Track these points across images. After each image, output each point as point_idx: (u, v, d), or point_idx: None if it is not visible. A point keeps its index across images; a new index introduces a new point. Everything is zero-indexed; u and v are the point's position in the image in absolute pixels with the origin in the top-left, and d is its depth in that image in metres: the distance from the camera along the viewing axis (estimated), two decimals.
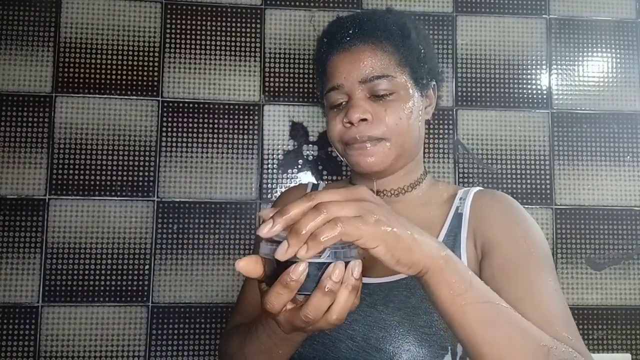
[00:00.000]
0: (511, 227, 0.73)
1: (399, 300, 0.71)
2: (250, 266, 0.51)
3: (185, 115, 1.25)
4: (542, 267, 0.69)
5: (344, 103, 0.78)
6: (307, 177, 1.26)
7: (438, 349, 0.68)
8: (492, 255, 0.70)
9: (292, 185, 1.25)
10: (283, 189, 1.25)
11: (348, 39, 0.78)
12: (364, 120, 0.75)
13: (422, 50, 0.80)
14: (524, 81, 1.32)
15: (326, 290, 0.48)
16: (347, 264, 0.49)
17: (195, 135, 1.24)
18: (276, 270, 0.49)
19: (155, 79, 1.25)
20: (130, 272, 1.20)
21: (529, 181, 1.29)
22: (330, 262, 0.48)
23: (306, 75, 1.28)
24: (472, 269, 0.69)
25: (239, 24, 1.28)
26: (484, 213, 0.76)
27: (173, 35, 1.27)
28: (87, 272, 1.19)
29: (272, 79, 1.27)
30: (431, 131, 1.29)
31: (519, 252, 0.70)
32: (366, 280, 0.73)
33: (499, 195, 0.79)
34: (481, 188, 0.81)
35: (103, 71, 1.24)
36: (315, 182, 0.95)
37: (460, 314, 0.52)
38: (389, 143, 0.76)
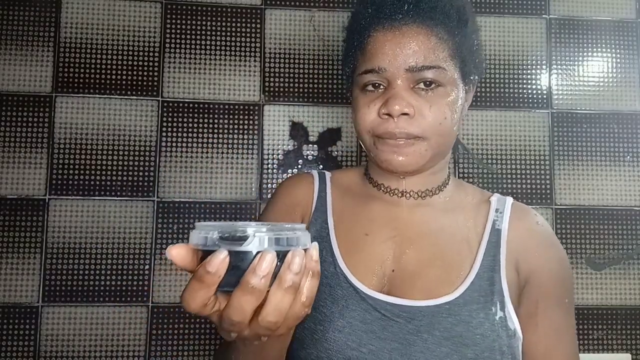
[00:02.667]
0: (555, 264, 0.70)
1: (444, 328, 0.62)
2: (181, 255, 0.41)
3: (185, 115, 1.25)
4: (569, 307, 0.70)
5: (381, 89, 0.68)
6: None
7: None
8: (535, 288, 0.69)
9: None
10: None
11: (400, 15, 0.66)
12: (406, 114, 0.65)
13: (476, 42, 0.71)
14: (524, 81, 1.32)
15: (250, 286, 0.39)
16: (283, 254, 0.40)
17: (195, 135, 1.24)
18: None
19: (155, 79, 1.25)
20: (130, 272, 1.20)
21: (529, 181, 1.29)
22: (259, 252, 0.39)
23: (306, 75, 1.28)
24: (512, 293, 0.67)
25: (239, 24, 1.28)
26: (529, 240, 0.71)
27: (173, 35, 1.27)
28: (87, 272, 1.19)
29: (272, 79, 1.28)
30: None
31: (559, 295, 0.69)
32: (405, 302, 0.64)
33: (541, 220, 0.74)
34: (513, 200, 0.76)
35: (103, 71, 1.24)
36: (323, 171, 0.83)
37: None
38: (427, 143, 0.67)
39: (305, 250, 0.42)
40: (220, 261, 0.39)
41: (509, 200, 0.75)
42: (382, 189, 0.74)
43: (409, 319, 0.63)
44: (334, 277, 0.67)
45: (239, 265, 0.39)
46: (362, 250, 0.69)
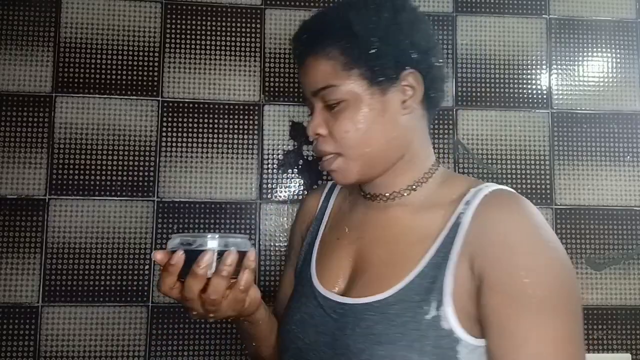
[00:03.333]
0: (531, 262, 0.59)
1: (365, 326, 0.64)
2: (161, 257, 0.60)
3: (185, 115, 1.25)
4: (543, 309, 0.57)
5: None
6: (306, 178, 1.26)
7: None
8: (492, 288, 0.59)
9: (293, 188, 1.25)
10: (283, 189, 1.25)
11: (298, 51, 0.73)
12: (319, 134, 0.70)
13: (377, 42, 0.68)
14: (524, 81, 1.32)
15: (195, 273, 0.59)
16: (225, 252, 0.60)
17: (195, 135, 1.24)
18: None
19: (155, 79, 1.25)
20: (130, 272, 1.20)
21: (529, 181, 1.29)
22: (203, 250, 0.59)
23: None
24: (460, 292, 0.61)
25: (239, 24, 1.28)
26: (491, 232, 0.62)
27: (173, 35, 1.27)
28: (87, 272, 1.19)
29: (272, 79, 1.27)
30: (431, 131, 1.29)
31: (538, 299, 0.58)
32: (343, 299, 0.68)
33: (511, 204, 0.63)
34: (496, 188, 0.66)
35: (103, 71, 1.24)
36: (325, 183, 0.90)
37: None
38: (343, 157, 0.69)
39: (245, 252, 0.61)
40: (178, 256, 0.59)
41: (488, 189, 0.66)
42: (362, 193, 0.77)
43: (341, 315, 0.67)
44: (306, 279, 0.76)
45: (192, 262, 0.59)
46: (331, 254, 0.75)
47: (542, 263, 0.59)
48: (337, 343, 0.66)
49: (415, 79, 0.70)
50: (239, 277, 0.61)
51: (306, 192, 1.24)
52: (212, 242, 0.60)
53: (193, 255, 0.59)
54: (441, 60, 0.74)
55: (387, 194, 0.73)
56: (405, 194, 0.73)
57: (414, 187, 0.73)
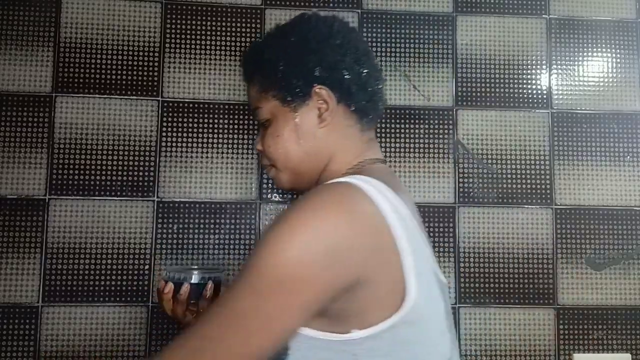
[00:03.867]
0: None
1: None
2: (167, 288, 0.84)
3: (185, 115, 1.25)
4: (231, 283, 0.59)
5: None
6: None
7: None
8: None
9: None
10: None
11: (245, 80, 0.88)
12: (259, 150, 0.85)
13: (282, 66, 0.77)
14: (524, 81, 1.32)
15: (178, 299, 0.86)
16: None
17: (195, 135, 1.24)
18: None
19: (155, 79, 1.25)
20: (130, 272, 1.20)
21: (529, 181, 1.29)
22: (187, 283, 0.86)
23: None
24: None
25: (239, 24, 1.28)
26: None
27: (173, 35, 1.27)
28: (87, 272, 1.19)
29: None
30: (431, 131, 1.29)
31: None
32: None
33: (307, 194, 0.63)
34: (331, 181, 0.66)
35: (103, 71, 1.24)
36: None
37: None
38: (276, 169, 0.83)
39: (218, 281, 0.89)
40: (167, 288, 0.85)
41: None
42: None
43: None
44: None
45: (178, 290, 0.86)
46: None
47: (261, 241, 0.59)
48: None
49: (326, 94, 0.77)
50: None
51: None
52: (184, 277, 0.87)
53: (177, 286, 0.86)
54: (362, 70, 0.78)
55: None
56: None
57: None
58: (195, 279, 0.85)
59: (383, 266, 0.61)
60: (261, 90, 0.80)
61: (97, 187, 1.21)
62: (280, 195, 1.25)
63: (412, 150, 1.28)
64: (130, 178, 1.22)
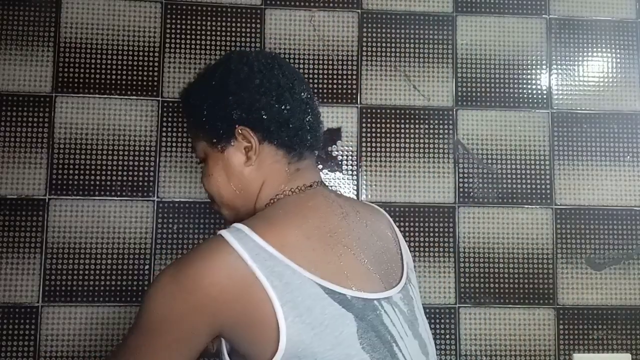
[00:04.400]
0: None
1: None
2: None
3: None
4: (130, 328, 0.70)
5: None
6: None
7: None
8: None
9: None
10: None
11: None
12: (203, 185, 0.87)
13: (205, 109, 0.81)
14: (524, 81, 1.32)
15: None
16: None
17: None
18: None
19: (155, 79, 1.25)
20: (130, 272, 1.20)
21: (529, 181, 1.29)
22: None
23: (306, 75, 1.28)
24: None
25: (239, 24, 1.28)
26: None
27: (173, 35, 1.27)
28: (87, 272, 1.19)
29: None
30: (431, 131, 1.29)
31: None
32: None
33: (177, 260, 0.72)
34: (206, 240, 0.74)
35: (103, 71, 1.24)
36: None
37: None
38: (215, 204, 0.86)
39: None
40: None
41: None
42: None
43: None
44: None
45: None
46: None
47: (146, 295, 0.69)
48: None
49: (248, 134, 0.80)
50: None
51: None
52: None
53: None
54: (283, 107, 0.80)
55: None
56: None
57: None
58: None
59: (250, 311, 0.67)
60: (192, 131, 0.85)
61: (97, 187, 1.21)
62: None
63: (412, 150, 1.28)
64: (130, 178, 1.22)
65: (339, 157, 1.27)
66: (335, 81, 1.28)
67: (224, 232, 0.71)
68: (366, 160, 1.27)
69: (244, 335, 0.68)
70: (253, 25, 1.28)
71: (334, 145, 1.27)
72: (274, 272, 0.67)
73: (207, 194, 0.86)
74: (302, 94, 0.83)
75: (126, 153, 1.23)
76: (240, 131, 0.80)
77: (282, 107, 0.80)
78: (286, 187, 0.82)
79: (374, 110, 1.27)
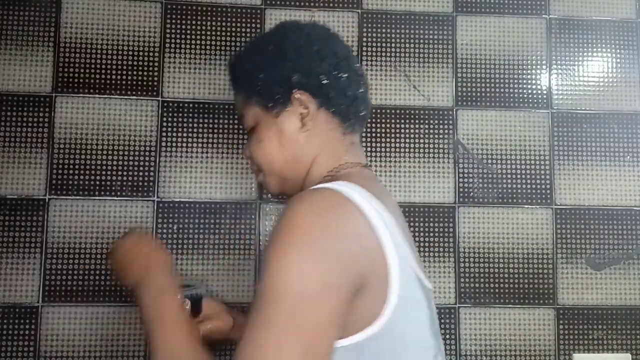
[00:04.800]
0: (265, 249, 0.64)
1: None
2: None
3: (185, 115, 1.25)
4: (256, 300, 0.58)
5: None
6: None
7: None
8: None
9: None
10: None
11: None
12: (247, 157, 0.87)
13: (262, 74, 0.79)
14: (524, 81, 1.32)
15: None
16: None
17: (195, 135, 1.24)
18: None
19: (155, 79, 1.25)
20: None
21: (529, 181, 1.29)
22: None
23: None
24: None
25: (239, 24, 1.28)
26: None
27: (173, 35, 1.27)
28: (87, 272, 1.19)
29: None
30: (431, 131, 1.29)
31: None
32: None
33: (291, 201, 0.63)
34: (315, 187, 0.67)
35: (103, 71, 1.24)
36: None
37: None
38: (263, 173, 0.84)
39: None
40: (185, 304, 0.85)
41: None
42: None
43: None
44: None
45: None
46: None
47: (268, 255, 0.59)
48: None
49: (306, 99, 0.78)
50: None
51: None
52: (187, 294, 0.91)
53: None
54: (341, 75, 0.79)
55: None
56: None
57: None
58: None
59: (372, 272, 0.60)
60: (244, 97, 0.84)
61: (97, 187, 1.21)
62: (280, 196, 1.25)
63: (412, 150, 1.28)
64: (130, 178, 1.22)
65: None
66: None
67: (331, 185, 0.64)
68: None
69: (358, 300, 0.59)
70: (253, 25, 1.28)
71: None
72: (392, 235, 0.63)
73: (252, 164, 0.86)
74: (356, 65, 0.84)
75: (126, 153, 1.23)
76: (297, 96, 0.78)
77: (340, 75, 0.79)
78: (348, 159, 0.79)
79: (373, 110, 1.27)
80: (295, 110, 0.79)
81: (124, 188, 1.22)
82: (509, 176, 1.29)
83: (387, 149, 1.27)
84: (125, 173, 1.22)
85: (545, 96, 1.32)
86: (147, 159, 1.23)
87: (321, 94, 0.78)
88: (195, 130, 1.25)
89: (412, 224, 1.26)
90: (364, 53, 1.29)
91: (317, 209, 0.60)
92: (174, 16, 1.27)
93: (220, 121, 1.25)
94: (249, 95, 0.82)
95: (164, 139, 1.24)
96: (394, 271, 0.61)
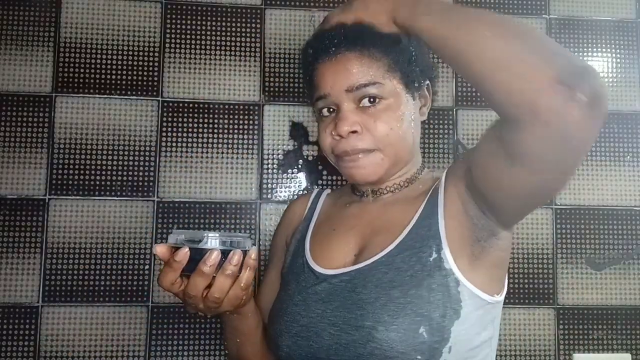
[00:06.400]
0: None
1: (376, 279, 0.70)
2: (162, 251, 0.63)
3: (185, 115, 1.25)
4: None
5: (333, 113, 0.77)
6: (306, 178, 1.26)
7: (414, 316, 0.66)
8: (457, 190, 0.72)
9: (293, 188, 1.25)
10: (283, 189, 1.25)
11: (333, 47, 0.75)
12: (354, 132, 0.74)
13: (414, 52, 0.77)
14: None
15: (201, 271, 0.61)
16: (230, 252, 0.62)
17: (195, 135, 1.24)
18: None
19: (155, 79, 1.25)
20: (130, 272, 1.20)
21: None
22: (210, 249, 0.61)
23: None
24: (453, 235, 0.70)
25: (239, 24, 1.28)
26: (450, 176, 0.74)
27: (173, 35, 1.27)
28: (87, 272, 1.19)
29: (272, 79, 1.27)
30: (431, 131, 1.29)
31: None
32: (349, 268, 0.74)
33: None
34: None
35: (103, 71, 1.24)
36: (320, 187, 1.02)
37: (440, 28, 0.63)
38: (381, 154, 0.75)
39: (246, 251, 0.63)
40: (183, 253, 0.61)
41: None
42: (356, 192, 0.85)
43: (351, 278, 0.73)
44: (300, 267, 0.80)
45: (197, 259, 0.61)
46: (329, 242, 0.81)
47: None
48: (348, 303, 0.71)
49: (429, 89, 0.83)
50: (240, 275, 0.65)
51: (305, 192, 1.24)
52: (215, 241, 0.63)
53: (197, 253, 0.61)
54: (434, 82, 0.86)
55: (386, 188, 0.81)
56: (402, 188, 0.81)
57: (410, 181, 0.81)
58: (216, 244, 0.63)
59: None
60: (387, 67, 0.75)
61: (97, 187, 1.21)
62: (280, 196, 1.25)
63: None
64: (130, 178, 1.22)
65: None
66: None
67: None
68: None
69: (500, 252, 0.73)
70: (253, 25, 1.28)
71: None
72: None
73: (363, 140, 0.75)
74: None
75: (126, 153, 1.23)
76: (426, 84, 0.82)
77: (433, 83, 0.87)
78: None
79: None
80: (421, 97, 0.82)
81: (124, 188, 1.22)
82: None
83: None
84: (125, 173, 1.22)
85: None
86: (147, 159, 1.23)
87: (433, 89, 0.85)
88: (195, 130, 1.25)
89: None
90: None
91: None
92: (174, 16, 1.27)
93: (220, 121, 1.25)
94: (394, 67, 0.76)
95: (164, 139, 1.24)
96: None
